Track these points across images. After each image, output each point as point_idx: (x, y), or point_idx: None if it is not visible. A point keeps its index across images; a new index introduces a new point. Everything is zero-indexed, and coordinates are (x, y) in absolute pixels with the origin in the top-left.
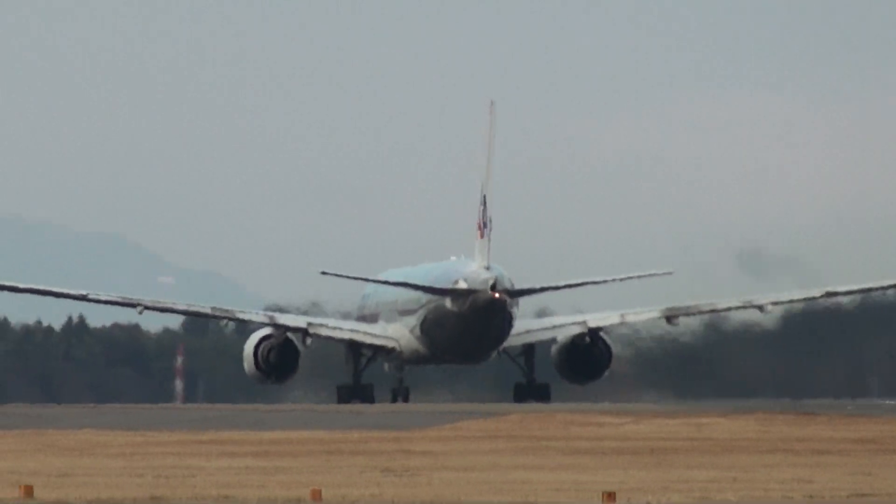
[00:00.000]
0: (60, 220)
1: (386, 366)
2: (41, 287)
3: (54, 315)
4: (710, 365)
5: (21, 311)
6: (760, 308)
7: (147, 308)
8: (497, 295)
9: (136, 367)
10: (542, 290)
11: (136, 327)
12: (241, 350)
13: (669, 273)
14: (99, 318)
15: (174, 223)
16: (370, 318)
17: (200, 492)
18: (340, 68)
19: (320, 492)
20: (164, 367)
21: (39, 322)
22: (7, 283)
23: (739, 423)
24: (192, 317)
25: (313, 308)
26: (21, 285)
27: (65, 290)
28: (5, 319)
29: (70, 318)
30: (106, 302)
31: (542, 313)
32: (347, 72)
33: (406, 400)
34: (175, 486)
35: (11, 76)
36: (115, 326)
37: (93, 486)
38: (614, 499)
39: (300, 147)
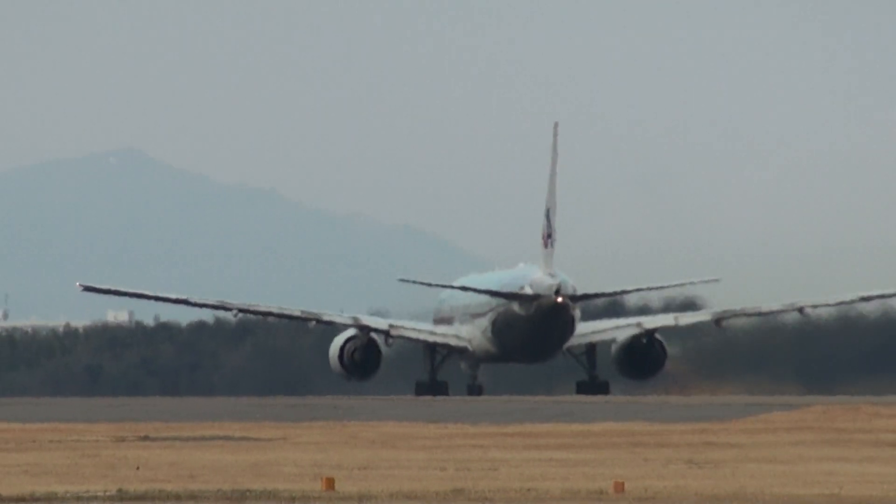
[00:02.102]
0: (367, 212)
1: (462, 364)
2: (136, 291)
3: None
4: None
5: (324, 305)
6: (800, 311)
7: (241, 311)
8: (560, 299)
9: None
10: (602, 295)
11: None
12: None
13: (717, 280)
14: None
15: (473, 215)
16: (446, 321)
17: (503, 484)
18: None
19: (623, 484)
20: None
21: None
22: (105, 287)
23: None
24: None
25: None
26: (122, 289)
27: (165, 295)
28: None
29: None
30: (202, 305)
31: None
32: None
33: (480, 395)
34: (477, 478)
35: (312, 84)
36: None
37: (394, 478)
38: None
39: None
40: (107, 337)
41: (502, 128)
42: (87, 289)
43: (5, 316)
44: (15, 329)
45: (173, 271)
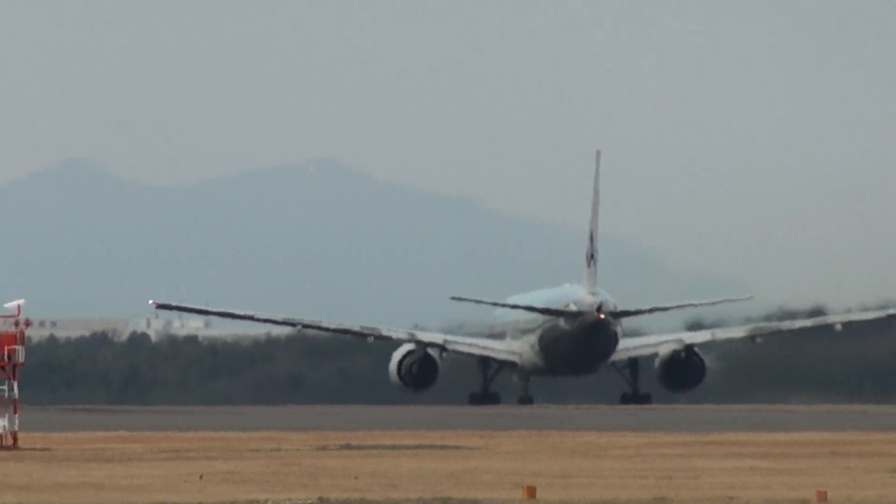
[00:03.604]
0: (555, 221)
1: (514, 377)
2: (222, 310)
3: None
4: None
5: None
6: (831, 327)
7: (304, 326)
8: (602, 316)
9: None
10: (641, 312)
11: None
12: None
13: (750, 297)
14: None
15: (674, 226)
16: (498, 336)
17: (705, 493)
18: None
19: (826, 493)
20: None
21: None
22: (176, 304)
23: None
24: (342, 334)
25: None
26: (191, 306)
27: (231, 311)
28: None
29: None
30: (266, 321)
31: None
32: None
33: (531, 404)
34: (678, 486)
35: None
36: None
37: (596, 486)
38: None
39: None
40: (306, 346)
41: (706, 144)
42: (161, 306)
43: (207, 324)
44: (216, 338)
45: (371, 279)
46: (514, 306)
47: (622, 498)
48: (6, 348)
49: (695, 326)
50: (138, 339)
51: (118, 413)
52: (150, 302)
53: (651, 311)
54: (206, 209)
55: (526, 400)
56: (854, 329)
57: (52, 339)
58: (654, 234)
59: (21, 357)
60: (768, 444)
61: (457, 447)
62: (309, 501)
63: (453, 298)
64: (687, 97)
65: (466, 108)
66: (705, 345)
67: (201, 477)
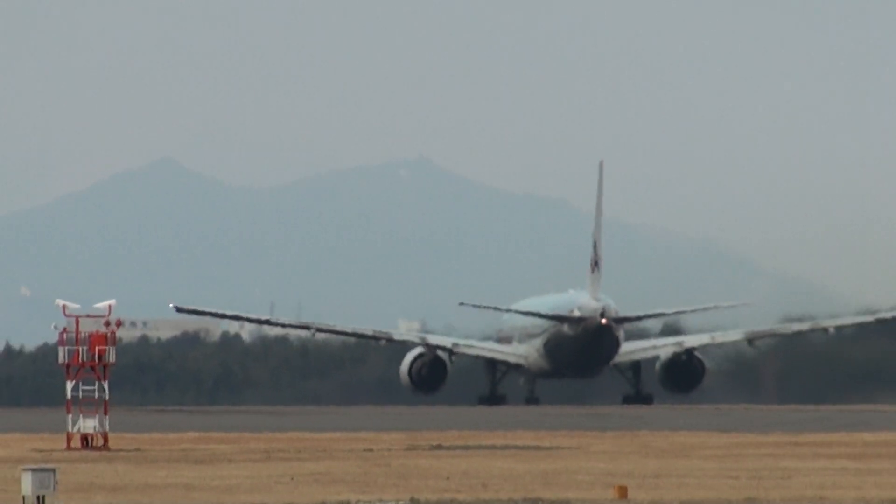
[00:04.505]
0: (657, 224)
1: (521, 379)
2: (227, 312)
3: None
4: None
5: None
6: (825, 330)
7: (319, 330)
8: (605, 321)
9: None
10: (643, 317)
11: None
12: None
13: (750, 304)
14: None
15: (766, 228)
16: (505, 340)
17: (796, 493)
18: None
19: None
20: None
21: None
22: (190, 307)
23: None
24: (355, 337)
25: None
26: (209, 309)
27: (247, 315)
28: None
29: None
30: (283, 325)
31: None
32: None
33: (537, 405)
34: (769, 487)
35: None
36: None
37: (687, 487)
38: None
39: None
40: (397, 349)
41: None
42: (179, 310)
43: None
44: (308, 339)
45: (462, 279)
46: (521, 312)
47: (713, 498)
48: (96, 348)
49: (786, 321)
50: (229, 340)
51: (209, 413)
52: (170, 305)
53: (652, 316)
54: (295, 209)
55: (532, 401)
56: None
57: (143, 340)
58: (747, 234)
59: (111, 357)
60: (859, 445)
61: (548, 447)
62: (400, 502)
63: (461, 304)
64: (786, 107)
65: (560, 109)
66: (703, 347)
67: (292, 478)
